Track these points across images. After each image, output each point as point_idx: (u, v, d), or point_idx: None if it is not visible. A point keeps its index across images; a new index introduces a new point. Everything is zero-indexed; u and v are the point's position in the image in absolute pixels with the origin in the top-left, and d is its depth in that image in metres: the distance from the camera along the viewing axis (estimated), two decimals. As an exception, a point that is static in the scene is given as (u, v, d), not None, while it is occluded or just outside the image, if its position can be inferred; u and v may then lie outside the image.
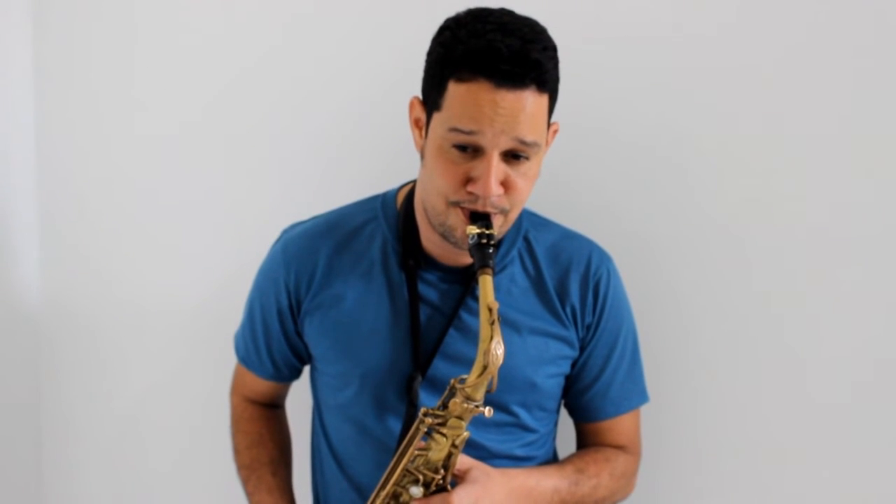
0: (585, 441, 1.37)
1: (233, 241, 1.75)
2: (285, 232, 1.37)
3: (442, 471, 1.14)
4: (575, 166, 1.53)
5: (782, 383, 1.43)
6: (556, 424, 1.37)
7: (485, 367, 1.06)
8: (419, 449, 1.14)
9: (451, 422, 1.11)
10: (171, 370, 1.86)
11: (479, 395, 1.09)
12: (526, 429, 1.29)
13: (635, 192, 1.51)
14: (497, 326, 1.06)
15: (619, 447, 1.35)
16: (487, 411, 1.09)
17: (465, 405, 1.09)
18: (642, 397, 1.37)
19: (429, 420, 1.12)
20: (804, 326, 1.41)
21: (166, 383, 1.87)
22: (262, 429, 1.43)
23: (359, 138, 1.65)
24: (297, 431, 1.50)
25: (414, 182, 1.29)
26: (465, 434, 1.12)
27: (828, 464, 1.42)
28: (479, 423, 1.22)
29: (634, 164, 1.50)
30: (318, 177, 1.70)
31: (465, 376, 1.10)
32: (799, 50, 1.37)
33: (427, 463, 1.14)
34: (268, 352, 1.38)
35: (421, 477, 1.14)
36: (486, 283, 1.10)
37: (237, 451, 1.42)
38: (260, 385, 1.43)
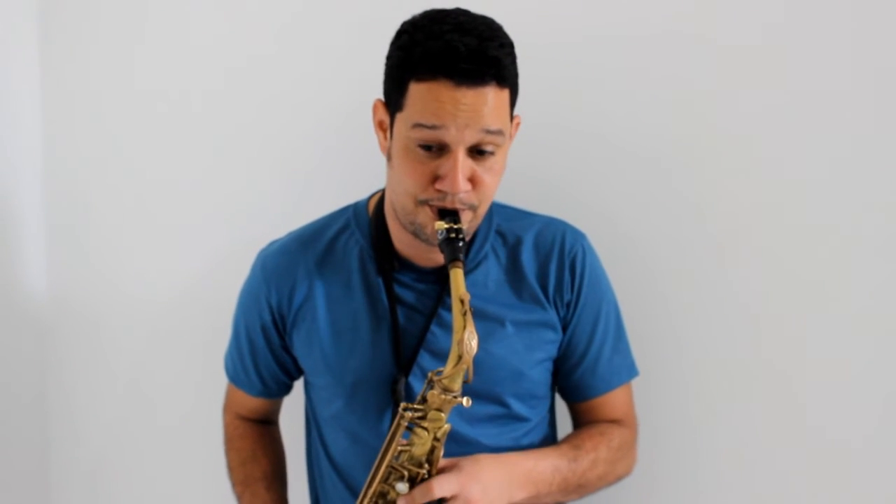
0: (580, 420, 1.37)
1: (240, 240, 1.74)
2: (263, 250, 1.38)
3: (426, 465, 1.14)
4: (564, 166, 1.55)
5: (773, 375, 1.45)
6: (551, 411, 1.37)
7: (459, 357, 1.07)
8: (402, 445, 1.14)
9: (431, 414, 1.11)
10: (177, 367, 1.86)
11: (457, 386, 1.10)
12: (519, 418, 1.29)
13: (626, 191, 1.53)
14: (469, 317, 1.07)
15: (615, 421, 1.35)
16: (466, 401, 1.10)
17: (444, 396, 1.10)
18: (631, 371, 1.36)
19: (409, 414, 1.12)
20: (792, 321, 1.43)
21: (171, 380, 1.88)
22: (254, 445, 1.43)
23: (355, 140, 1.65)
24: (291, 445, 1.50)
25: (384, 190, 1.31)
26: (447, 426, 1.12)
27: (817, 438, 1.43)
28: (472, 417, 1.24)
29: (624, 164, 1.52)
30: (323, 179, 1.71)
31: (442, 369, 1.11)
32: (788, 50, 1.39)
33: (411, 458, 1.14)
34: (255, 369, 1.39)
35: (406, 473, 1.14)
36: (456, 276, 1.11)
37: (231, 469, 1.43)
38: (250, 402, 1.44)
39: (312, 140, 1.73)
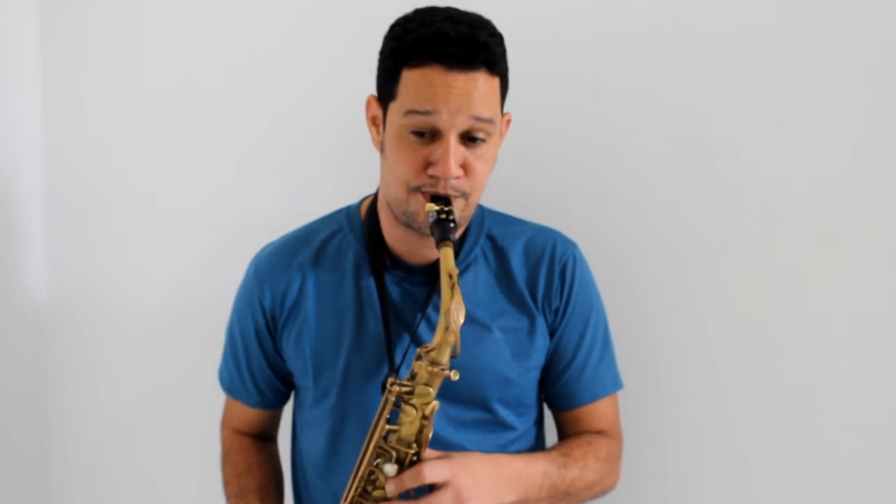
0: (566, 431, 1.36)
1: (240, 241, 1.74)
2: (256, 255, 1.38)
3: (415, 446, 1.12)
4: (557, 176, 1.55)
5: (762, 376, 1.45)
6: (538, 423, 1.36)
7: (447, 328, 1.07)
8: (391, 428, 1.13)
9: (419, 389, 1.10)
10: (177, 367, 1.87)
11: (445, 359, 1.09)
12: (505, 426, 1.28)
13: (620, 201, 1.52)
14: (457, 290, 1.07)
15: (600, 432, 1.33)
16: (453, 374, 1.09)
17: (431, 369, 1.09)
18: (616, 383, 1.35)
19: (396, 389, 1.11)
20: (789, 328, 1.42)
21: (170, 386, 1.88)
22: (250, 458, 1.41)
23: (353, 141, 1.65)
24: (285, 458, 1.47)
25: (376, 193, 1.31)
26: (435, 403, 1.10)
27: (801, 446, 1.43)
28: (457, 421, 1.24)
29: (619, 173, 1.52)
30: (321, 180, 1.72)
31: (428, 344, 1.10)
32: (787, 52, 1.40)
33: (400, 440, 1.13)
34: (251, 376, 1.38)
35: (394, 453, 1.12)
36: (446, 254, 1.10)
37: (226, 482, 1.40)
38: (248, 414, 1.42)
39: (311, 141, 1.74)
